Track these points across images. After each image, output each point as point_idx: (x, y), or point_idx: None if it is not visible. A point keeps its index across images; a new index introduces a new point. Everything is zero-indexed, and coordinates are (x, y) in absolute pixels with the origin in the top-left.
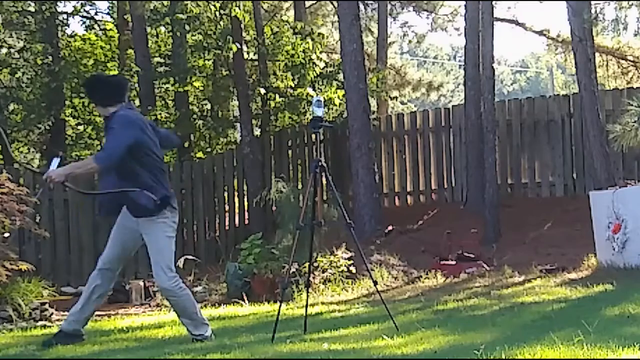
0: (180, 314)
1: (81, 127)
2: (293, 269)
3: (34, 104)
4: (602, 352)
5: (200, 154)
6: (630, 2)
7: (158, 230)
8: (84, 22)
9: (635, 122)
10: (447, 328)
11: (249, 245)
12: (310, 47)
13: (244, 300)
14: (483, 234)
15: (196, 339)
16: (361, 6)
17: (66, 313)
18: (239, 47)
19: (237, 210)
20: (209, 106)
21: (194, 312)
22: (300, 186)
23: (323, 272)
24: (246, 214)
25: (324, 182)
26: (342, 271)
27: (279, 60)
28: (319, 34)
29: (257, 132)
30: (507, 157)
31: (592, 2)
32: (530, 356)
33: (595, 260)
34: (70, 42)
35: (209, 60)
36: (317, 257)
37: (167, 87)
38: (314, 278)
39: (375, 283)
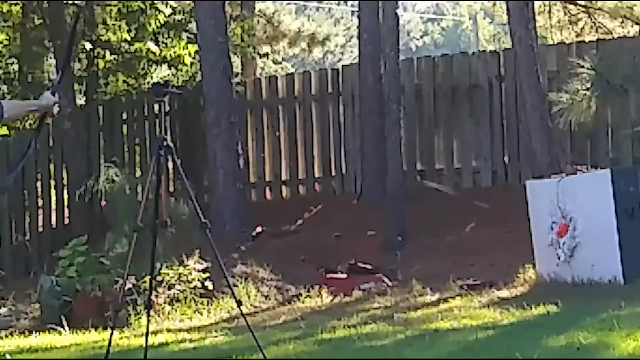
0: None
1: None
2: (129, 285)
3: None
4: None
5: (4, 130)
6: None
7: None
8: None
9: (587, 89)
10: None
11: (70, 252)
12: None
13: (63, 327)
14: (384, 237)
15: None
16: None
17: None
18: None
19: (53, 206)
20: (16, 66)
21: None
22: (138, 174)
23: (169, 288)
24: (66, 210)
25: (171, 168)
26: (194, 287)
27: (110, 5)
28: None
29: (80, 100)
30: (415, 134)
31: None
32: None
33: (533, 272)
34: None
35: (16, 4)
36: (161, 269)
37: None
38: (157, 297)
39: (240, 303)
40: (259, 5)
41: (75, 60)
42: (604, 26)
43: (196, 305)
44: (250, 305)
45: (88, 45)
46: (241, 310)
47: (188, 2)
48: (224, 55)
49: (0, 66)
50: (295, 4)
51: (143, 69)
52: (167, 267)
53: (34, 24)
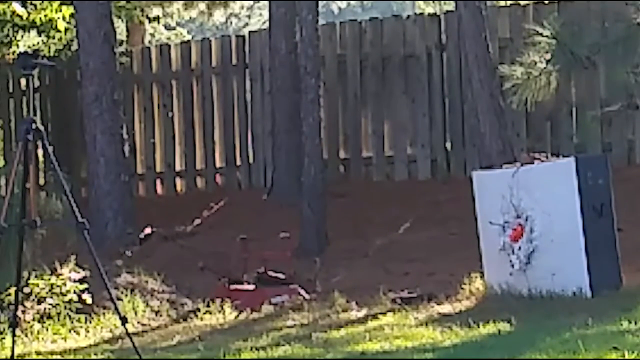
0: None
1: None
2: None
3: None
4: None
5: None
6: None
7: None
8: None
9: (547, 61)
10: None
11: None
12: None
13: None
14: (300, 240)
15: None
16: None
17: None
18: None
19: None
20: None
21: None
22: (1, 163)
23: (39, 302)
24: None
25: (41, 156)
26: (70, 301)
27: None
28: None
29: None
30: (338, 115)
31: None
32: None
33: (481, 283)
34: None
35: None
36: (29, 279)
37: None
38: (24, 312)
39: (125, 321)
40: None
41: None
42: None
43: (72, 322)
44: (138, 322)
45: None
46: (126, 329)
47: None
48: (105, 19)
49: None
50: None
51: (7, 35)
52: (36, 276)
53: None
